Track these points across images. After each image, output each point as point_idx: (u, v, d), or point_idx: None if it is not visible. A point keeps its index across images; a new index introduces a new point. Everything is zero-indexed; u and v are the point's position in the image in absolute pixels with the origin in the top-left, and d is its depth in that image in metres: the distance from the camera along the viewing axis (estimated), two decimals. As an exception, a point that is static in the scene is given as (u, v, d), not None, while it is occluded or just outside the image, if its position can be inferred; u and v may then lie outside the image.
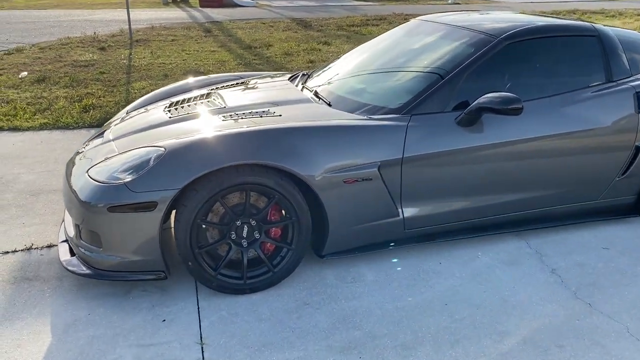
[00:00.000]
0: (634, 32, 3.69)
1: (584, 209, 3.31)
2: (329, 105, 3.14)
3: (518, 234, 3.27)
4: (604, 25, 3.55)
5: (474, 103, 2.86)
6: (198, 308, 2.60)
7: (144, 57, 9.59)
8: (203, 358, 2.27)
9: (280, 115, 2.96)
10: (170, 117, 3.12)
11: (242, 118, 2.93)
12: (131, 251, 2.51)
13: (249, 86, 3.68)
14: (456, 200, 3.00)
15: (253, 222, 2.66)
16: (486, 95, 2.84)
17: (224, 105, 3.20)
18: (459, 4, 22.79)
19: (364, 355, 2.29)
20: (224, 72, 8.49)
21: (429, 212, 2.96)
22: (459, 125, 2.89)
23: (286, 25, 14.91)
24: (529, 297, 2.68)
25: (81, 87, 7.23)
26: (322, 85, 3.46)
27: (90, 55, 9.69)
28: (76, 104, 6.31)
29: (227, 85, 3.77)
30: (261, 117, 2.94)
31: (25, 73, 7.96)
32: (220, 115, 3.01)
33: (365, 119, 2.87)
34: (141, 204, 2.43)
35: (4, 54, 9.61)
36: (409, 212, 2.92)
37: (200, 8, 21.10)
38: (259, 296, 2.70)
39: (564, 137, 3.05)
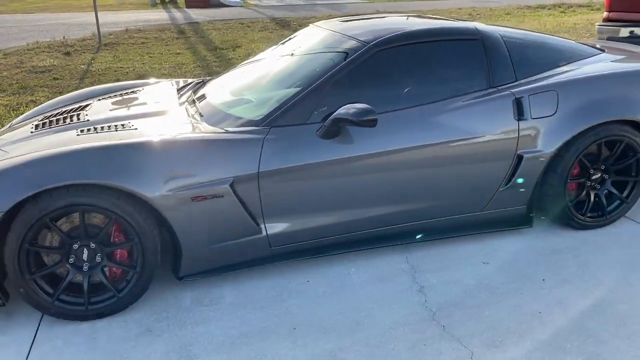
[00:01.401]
0: (528, 32, 3.52)
1: (471, 220, 3.17)
2: (201, 116, 3.02)
3: (402, 248, 3.14)
4: (495, 26, 3.40)
5: (331, 115, 2.73)
6: (35, 336, 2.49)
7: (105, 62, 9.52)
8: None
9: (136, 129, 2.84)
10: (31, 132, 3.01)
11: (96, 132, 2.83)
12: None
13: (127, 97, 3.56)
14: (324, 215, 2.87)
15: (92, 245, 2.54)
16: (344, 107, 2.72)
17: (88, 118, 3.09)
18: (447, -1, 22.53)
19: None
20: (179, 76, 8.39)
21: (295, 229, 2.84)
22: (321, 138, 2.75)
23: (264, 25, 14.80)
24: (384, 319, 2.55)
25: (27, 94, 7.16)
26: (204, 95, 3.34)
27: (52, 60, 9.64)
28: (13, 112, 6.23)
29: (109, 96, 3.66)
30: (116, 131, 2.83)
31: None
32: (78, 130, 2.90)
33: (222, 132, 2.75)
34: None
35: (-36, 61, 9.57)
36: (273, 228, 2.80)
37: (185, 9, 21.03)
38: (104, 323, 2.59)
39: (440, 147, 2.91)
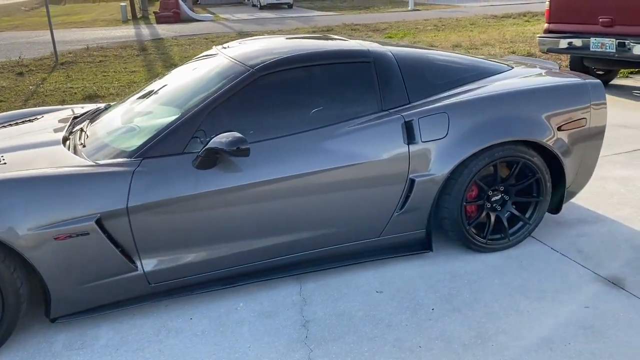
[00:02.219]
0: (430, 52, 3.46)
1: (368, 247, 3.08)
2: (84, 147, 2.91)
3: (297, 279, 3.03)
4: (394, 46, 3.33)
5: (206, 144, 2.63)
6: None
7: (57, 82, 9.38)
8: None
9: (5, 164, 2.72)
10: None
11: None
12: None
13: (19, 126, 3.44)
14: (206, 249, 2.76)
15: None
16: (218, 135, 2.62)
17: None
18: (418, 10, 22.67)
19: None
20: (126, 95, 8.26)
21: (175, 264, 2.73)
22: (197, 168, 2.65)
23: (228, 40, 14.71)
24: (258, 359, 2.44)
25: (-36, 119, 6.98)
26: (96, 123, 3.23)
27: (1, 81, 9.47)
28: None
29: (5, 125, 3.53)
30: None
31: None
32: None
33: (90, 166, 2.63)
34: None
35: None
36: (150, 265, 2.68)
37: (155, 25, 20.93)
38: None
39: (328, 173, 2.81)
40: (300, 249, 2.93)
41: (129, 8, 23.83)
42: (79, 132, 3.17)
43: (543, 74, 3.47)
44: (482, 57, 4.01)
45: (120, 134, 2.91)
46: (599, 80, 3.35)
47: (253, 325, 2.68)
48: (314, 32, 15.11)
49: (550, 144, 3.10)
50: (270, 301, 2.86)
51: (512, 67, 3.63)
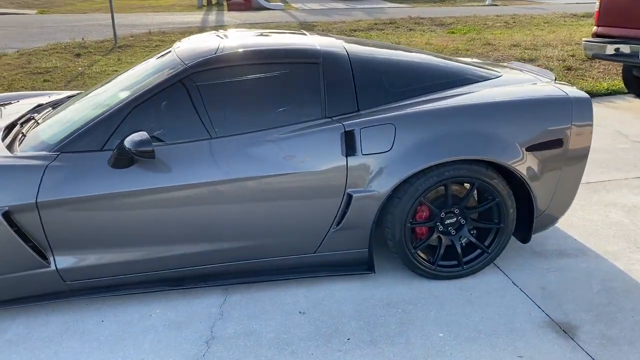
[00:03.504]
0: (404, 53, 3.16)
1: (303, 262, 2.87)
2: (23, 136, 2.88)
3: (226, 289, 2.89)
4: (355, 47, 3.06)
5: (120, 142, 2.52)
6: None
7: (106, 64, 9.69)
8: None
9: None
10: None
11: None
12: None
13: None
14: (122, 251, 2.67)
15: None
16: (131, 134, 2.50)
17: None
18: (496, 5, 21.68)
19: None
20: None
21: (89, 263, 2.66)
22: (112, 167, 2.55)
23: (288, 29, 14.64)
24: (144, 372, 2.32)
25: (5, 97, 7.34)
26: (47, 113, 3.21)
27: (58, 62, 9.91)
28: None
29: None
30: None
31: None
32: None
33: (7, 157, 2.60)
34: None
35: (-19, 59, 10.00)
36: (63, 262, 2.63)
37: (226, 12, 21.29)
38: None
39: (256, 181, 2.63)
40: (225, 258, 2.78)
41: (205, -6, 24.35)
42: (30, 121, 3.16)
43: (526, 85, 3.09)
44: (476, 62, 3.65)
45: (52, 126, 2.86)
46: (587, 96, 2.93)
47: (158, 336, 2.56)
48: (390, 23, 14.77)
49: (514, 166, 2.74)
50: (187, 311, 2.73)
51: (500, 75, 3.26)
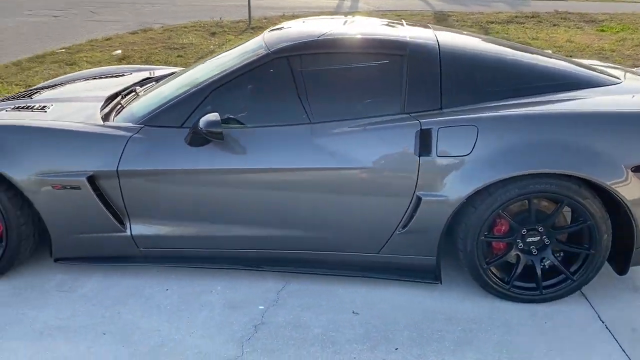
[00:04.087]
0: (510, 52, 2.89)
1: (365, 261, 2.76)
2: (122, 107, 3.07)
3: (286, 276, 2.87)
4: (453, 40, 2.85)
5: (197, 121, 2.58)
6: None
7: (234, 44, 10.10)
8: None
9: (45, 111, 3.01)
10: (10, 104, 3.30)
11: (14, 110, 3.05)
12: None
13: (98, 79, 3.77)
14: (193, 225, 2.75)
15: None
16: (206, 115, 2.55)
17: (37, 97, 3.35)
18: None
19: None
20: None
21: (162, 233, 2.77)
22: (188, 144, 2.63)
23: (420, 18, 14.30)
24: (186, 349, 2.38)
25: (141, 68, 7.94)
26: (150, 86, 3.39)
27: (194, 39, 10.52)
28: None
29: (98, 77, 3.89)
30: (30, 111, 3.02)
31: (119, 52, 8.98)
32: (14, 106, 3.16)
33: (97, 126, 2.77)
34: None
35: (128, 34, 10.92)
36: (137, 229, 2.77)
37: (364, -3, 21.21)
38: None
39: (327, 172, 2.57)
40: (287, 245, 2.75)
41: (346, -21, 24.45)
42: (131, 94, 3.34)
43: (646, 96, 2.68)
44: (598, 64, 3.26)
45: (145, 101, 3.00)
46: None
47: (212, 312, 2.61)
48: (532, 17, 13.87)
49: (615, 187, 2.40)
50: (246, 292, 2.76)
51: (620, 82, 2.87)
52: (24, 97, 3.47)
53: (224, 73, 2.73)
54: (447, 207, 2.52)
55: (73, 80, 3.96)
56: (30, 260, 2.96)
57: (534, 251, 2.60)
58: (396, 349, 2.36)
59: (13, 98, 3.52)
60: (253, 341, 2.42)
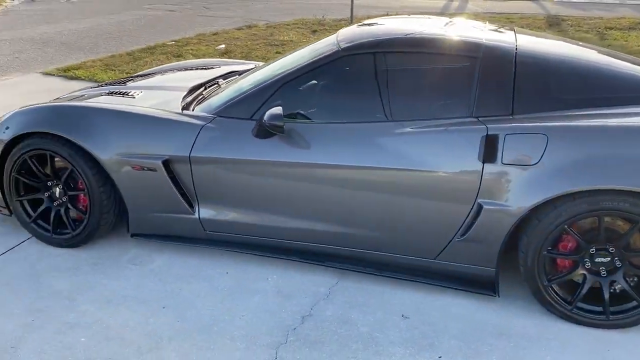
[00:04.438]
0: (596, 58, 2.71)
1: (421, 266, 2.71)
2: (204, 98, 3.24)
3: (341, 273, 2.89)
4: (534, 43, 2.72)
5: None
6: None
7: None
8: None
9: (134, 97, 3.25)
10: (105, 89, 3.62)
11: (108, 95, 3.33)
12: None
13: (190, 72, 3.99)
14: (256, 213, 2.85)
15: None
16: (271, 108, 2.63)
17: (134, 84, 3.62)
18: None
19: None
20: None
21: (227, 219, 2.90)
22: (254, 136, 2.73)
23: (531, 22, 13.69)
24: (226, 334, 2.48)
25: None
26: (223, 82, 3.53)
27: (294, 36, 10.78)
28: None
29: (193, 68, 4.13)
30: (121, 96, 3.28)
31: (223, 46, 9.42)
32: (109, 91, 3.45)
33: (173, 113, 2.94)
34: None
35: (235, 29, 11.41)
36: (205, 213, 2.92)
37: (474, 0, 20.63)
38: (51, 250, 3.11)
39: (387, 172, 2.55)
40: (345, 243, 2.77)
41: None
42: (214, 86, 3.51)
43: None
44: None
45: (223, 92, 3.13)
46: None
47: (264, 299, 2.70)
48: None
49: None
50: (299, 284, 2.81)
51: None
52: (119, 83, 3.76)
53: (294, 68, 2.79)
54: (509, 217, 2.41)
55: (168, 71, 4.23)
56: (111, 233, 3.21)
57: (603, 273, 2.42)
58: (440, 357, 2.31)
59: (111, 84, 3.83)
60: (298, 331, 2.46)
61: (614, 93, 2.53)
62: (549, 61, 2.63)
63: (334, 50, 2.76)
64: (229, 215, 2.88)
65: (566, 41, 3.21)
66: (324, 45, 2.93)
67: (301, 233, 2.80)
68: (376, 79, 2.70)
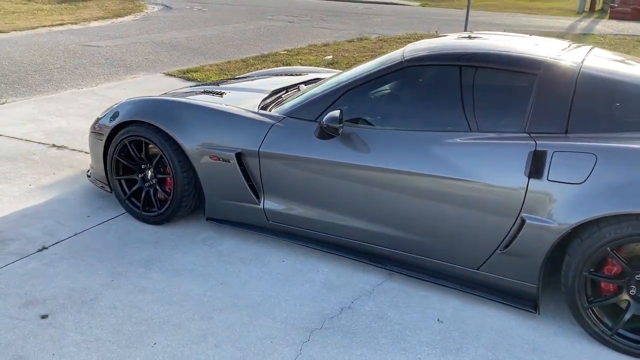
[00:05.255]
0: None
1: (463, 275, 2.77)
2: (282, 100, 3.54)
3: (389, 274, 3.02)
4: (601, 64, 2.69)
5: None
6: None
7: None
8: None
9: (221, 97, 3.63)
10: (201, 88, 4.08)
11: (202, 94, 3.74)
12: None
13: (278, 76, 4.31)
14: (313, 209, 3.07)
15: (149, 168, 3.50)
16: (331, 112, 2.84)
17: (227, 85, 4.03)
18: None
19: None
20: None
21: (288, 212, 3.15)
22: (317, 137, 2.95)
23: (632, 45, 12.67)
24: (269, 318, 2.70)
25: (344, 73, 8.58)
26: (304, 87, 3.79)
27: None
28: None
29: (284, 75, 4.48)
30: (212, 95, 3.67)
31: (330, 57, 9.81)
32: (204, 90, 3.87)
33: (251, 112, 3.25)
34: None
35: (346, 41, 11.79)
36: (269, 204, 3.20)
37: (607, 20, 19.49)
38: (136, 224, 3.54)
39: (437, 180, 2.66)
40: (393, 245, 2.90)
41: (589, -1, 22.67)
42: (294, 89, 3.79)
43: None
44: None
45: (297, 96, 3.39)
46: None
47: (312, 288, 2.89)
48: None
49: None
50: (347, 279, 2.98)
51: None
52: (216, 83, 4.17)
53: (360, 76, 2.98)
54: (550, 234, 2.42)
55: (263, 75, 4.60)
56: (190, 216, 3.58)
57: (648, 302, 2.34)
58: (465, 363, 2.37)
59: (209, 84, 4.25)
60: (335, 320, 2.63)
61: (680, 118, 2.44)
62: (612, 82, 2.59)
63: (398, 61, 2.91)
64: (290, 208, 3.12)
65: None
66: (392, 56, 3.09)
67: (354, 231, 2.97)
68: (435, 90, 2.82)
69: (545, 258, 2.47)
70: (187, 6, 17.83)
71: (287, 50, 10.25)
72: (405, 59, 2.90)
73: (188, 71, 8.14)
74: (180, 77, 7.90)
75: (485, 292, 2.71)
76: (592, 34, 14.45)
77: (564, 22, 17.63)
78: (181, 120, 3.29)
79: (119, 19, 14.12)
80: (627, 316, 2.38)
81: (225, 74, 7.99)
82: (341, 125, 2.79)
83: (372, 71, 2.96)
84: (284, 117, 3.12)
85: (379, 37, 12.45)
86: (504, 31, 13.81)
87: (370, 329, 2.58)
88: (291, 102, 3.27)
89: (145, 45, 10.34)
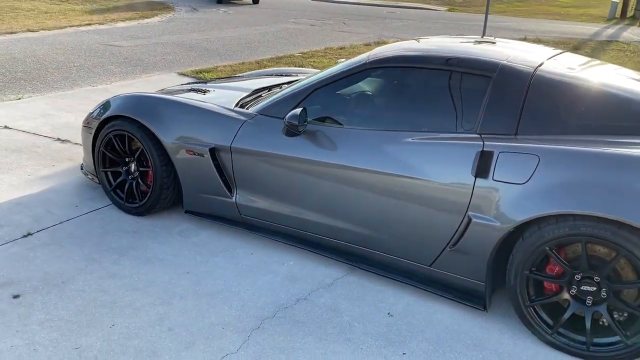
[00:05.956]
0: (619, 85, 2.64)
1: (416, 271, 2.83)
2: (260, 97, 3.66)
3: (350, 268, 3.10)
4: (560, 68, 2.73)
5: (289, 114, 2.99)
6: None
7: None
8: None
9: (204, 94, 3.77)
10: (189, 86, 4.24)
11: (190, 91, 3.89)
12: None
13: (272, 76, 4.43)
14: (281, 204, 3.17)
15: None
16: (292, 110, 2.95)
17: (218, 83, 4.17)
18: None
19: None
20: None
21: (258, 206, 3.27)
22: (283, 134, 3.06)
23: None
24: (232, 303, 2.82)
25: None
26: (285, 86, 3.90)
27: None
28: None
29: (278, 75, 4.60)
30: (196, 92, 3.82)
31: (343, 59, 9.89)
32: (196, 89, 4.02)
33: (226, 109, 3.38)
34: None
35: (363, 45, 11.87)
36: (241, 198, 3.32)
37: (637, 26, 19.11)
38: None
39: (388, 177, 2.73)
40: (353, 240, 2.98)
41: (620, 5, 22.27)
42: (276, 88, 3.90)
43: None
44: None
45: (272, 94, 3.51)
46: None
47: (273, 280, 2.99)
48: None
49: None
50: (310, 272, 3.07)
51: None
52: (206, 82, 4.32)
53: (327, 76, 3.07)
54: (495, 232, 2.47)
55: (258, 75, 4.73)
56: (171, 209, 3.73)
57: (589, 302, 2.37)
58: (404, 353, 2.43)
59: (199, 82, 4.40)
60: (288, 310, 2.73)
61: (627, 123, 2.46)
62: (564, 86, 2.62)
63: (362, 63, 3.00)
64: (260, 202, 3.24)
65: (621, 69, 3.12)
66: (360, 57, 3.18)
67: (318, 226, 3.07)
68: (393, 90, 2.90)
69: (491, 256, 2.52)
70: (213, 8, 18.17)
71: (302, 53, 10.38)
72: (369, 60, 2.98)
73: (201, 71, 8.34)
74: (193, 76, 8.10)
75: (438, 289, 2.77)
76: (617, 41, 14.19)
77: (590, 29, 17.34)
78: (161, 116, 3.44)
79: (145, 20, 14.50)
80: (567, 315, 2.41)
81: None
82: (303, 123, 2.88)
83: (338, 72, 3.05)
84: (256, 115, 3.23)
85: (396, 40, 12.46)
86: (525, 38, 13.61)
87: (321, 319, 2.66)
88: (265, 101, 3.38)
89: (165, 45, 10.61)
